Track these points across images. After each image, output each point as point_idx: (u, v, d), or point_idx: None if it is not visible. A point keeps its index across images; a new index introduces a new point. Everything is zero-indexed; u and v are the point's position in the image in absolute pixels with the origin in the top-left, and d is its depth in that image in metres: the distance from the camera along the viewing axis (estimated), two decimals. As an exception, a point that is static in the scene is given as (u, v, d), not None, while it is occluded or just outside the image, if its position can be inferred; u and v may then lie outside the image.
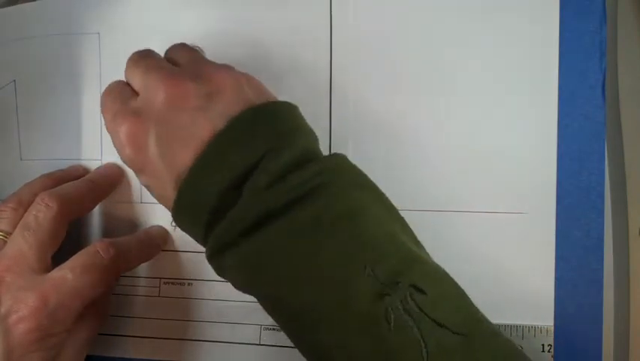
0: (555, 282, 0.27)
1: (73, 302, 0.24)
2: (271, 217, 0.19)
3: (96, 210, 0.30)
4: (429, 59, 0.28)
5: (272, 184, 0.19)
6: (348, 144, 0.28)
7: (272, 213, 0.19)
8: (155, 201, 0.29)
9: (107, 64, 0.30)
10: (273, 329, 0.29)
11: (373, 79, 0.28)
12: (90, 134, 0.30)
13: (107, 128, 0.23)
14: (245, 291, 0.21)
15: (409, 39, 0.28)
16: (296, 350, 0.28)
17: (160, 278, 0.30)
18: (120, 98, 0.23)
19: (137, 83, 0.23)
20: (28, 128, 0.31)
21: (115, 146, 0.23)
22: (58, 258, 0.25)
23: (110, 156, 0.30)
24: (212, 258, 0.21)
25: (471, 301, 0.20)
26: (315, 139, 0.22)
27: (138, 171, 0.22)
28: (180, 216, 0.21)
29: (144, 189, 0.30)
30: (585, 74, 0.27)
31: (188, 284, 0.29)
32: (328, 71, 0.28)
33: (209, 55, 0.29)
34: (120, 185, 0.30)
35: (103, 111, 0.24)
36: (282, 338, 0.28)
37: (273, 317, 0.21)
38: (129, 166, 0.23)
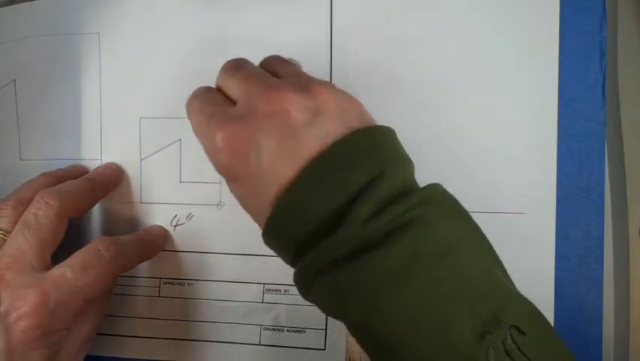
0: (555, 282, 0.27)
1: (74, 300, 0.24)
2: (369, 248, 0.18)
3: (96, 210, 0.30)
4: (428, 59, 0.28)
5: (374, 215, 0.19)
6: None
7: (370, 244, 0.18)
8: (154, 201, 0.30)
9: (106, 64, 0.30)
10: (273, 329, 0.29)
11: (372, 78, 0.28)
12: (90, 134, 0.30)
13: (196, 131, 0.22)
14: (332, 316, 0.21)
15: (408, 39, 0.28)
16: (295, 350, 0.28)
17: (160, 278, 0.30)
18: (214, 102, 0.22)
19: (234, 90, 0.22)
20: (27, 128, 0.31)
21: (206, 150, 0.22)
22: (58, 258, 0.25)
23: (109, 155, 0.30)
24: (300, 280, 0.21)
25: (559, 338, 0.20)
26: (412, 167, 0.22)
27: (231, 179, 0.21)
28: (274, 230, 0.20)
29: (144, 189, 0.30)
30: (585, 74, 0.27)
31: (189, 284, 0.29)
32: (328, 68, 0.29)
33: (211, 53, 0.29)
34: (120, 185, 0.30)
35: (193, 114, 0.23)
36: (282, 338, 0.28)
37: (360, 344, 0.21)
38: (220, 172, 0.22)
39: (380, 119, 0.28)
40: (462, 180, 0.27)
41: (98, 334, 0.28)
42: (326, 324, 0.28)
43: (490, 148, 0.27)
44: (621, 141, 0.28)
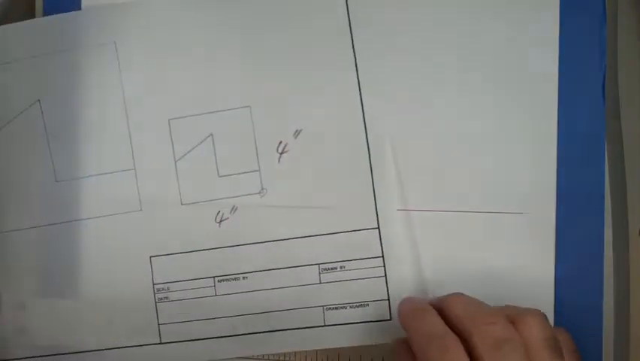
0: (555, 282, 0.27)
1: None
2: None
3: (136, 219, 0.30)
4: (428, 58, 0.28)
5: None
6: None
7: None
8: (195, 200, 0.29)
9: (126, 71, 0.30)
10: (336, 308, 0.28)
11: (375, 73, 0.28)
12: (120, 145, 0.30)
13: None
14: None
15: (407, 37, 0.28)
16: (361, 325, 0.28)
17: (214, 277, 0.29)
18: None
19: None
20: (58, 148, 0.30)
21: None
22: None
23: (143, 163, 0.30)
24: None
25: None
26: None
27: None
28: None
29: (183, 190, 0.29)
30: (585, 74, 0.27)
31: (243, 278, 0.29)
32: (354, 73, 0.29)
33: (232, 45, 0.29)
34: (157, 189, 0.30)
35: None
36: (346, 315, 0.28)
37: None
38: None
39: (378, 117, 0.28)
40: (462, 180, 0.28)
41: (160, 343, 0.29)
42: (388, 294, 0.28)
43: (490, 148, 0.27)
44: (621, 141, 0.27)
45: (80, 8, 0.31)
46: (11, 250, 0.30)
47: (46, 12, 0.31)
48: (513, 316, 0.22)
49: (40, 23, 0.31)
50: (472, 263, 0.27)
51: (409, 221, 0.28)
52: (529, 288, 0.27)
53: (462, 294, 0.24)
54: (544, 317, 0.22)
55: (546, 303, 0.27)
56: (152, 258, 0.29)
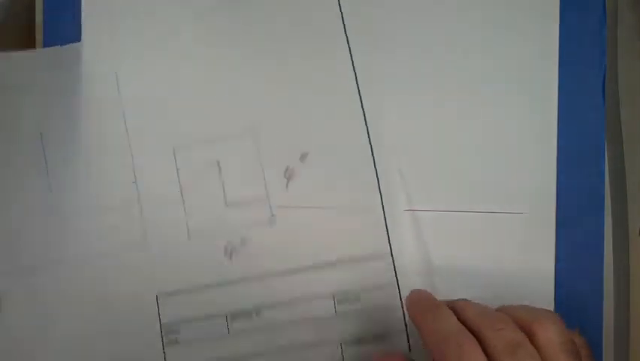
0: (555, 282, 0.27)
1: None
2: None
3: (144, 257, 0.29)
4: (428, 59, 0.28)
5: None
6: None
7: None
8: (203, 234, 0.28)
9: (128, 101, 0.29)
10: (354, 344, 0.27)
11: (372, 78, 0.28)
12: (123, 178, 0.29)
13: None
14: None
15: (407, 38, 0.28)
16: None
17: (226, 315, 0.28)
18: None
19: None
20: (59, 180, 0.29)
21: None
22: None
23: (148, 196, 0.29)
24: None
25: None
26: None
27: None
28: None
29: (190, 223, 0.28)
30: (585, 74, 0.27)
31: (256, 314, 0.28)
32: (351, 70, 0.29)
33: (233, 68, 0.29)
34: (164, 223, 0.29)
35: None
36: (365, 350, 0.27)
37: None
38: None
39: (378, 120, 0.28)
40: (462, 180, 0.28)
41: None
42: (405, 325, 0.27)
43: (490, 148, 0.27)
44: (621, 141, 0.28)
45: (79, 38, 0.30)
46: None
47: (46, 41, 0.30)
48: (530, 319, 0.22)
49: (42, 54, 0.30)
50: (473, 263, 0.27)
51: (417, 221, 0.28)
52: (530, 288, 0.27)
53: (469, 300, 0.24)
54: (562, 320, 0.22)
55: (546, 303, 0.27)
56: (158, 297, 0.28)
